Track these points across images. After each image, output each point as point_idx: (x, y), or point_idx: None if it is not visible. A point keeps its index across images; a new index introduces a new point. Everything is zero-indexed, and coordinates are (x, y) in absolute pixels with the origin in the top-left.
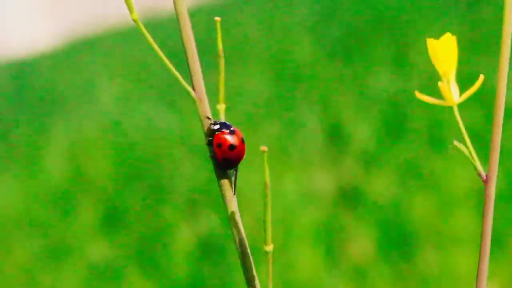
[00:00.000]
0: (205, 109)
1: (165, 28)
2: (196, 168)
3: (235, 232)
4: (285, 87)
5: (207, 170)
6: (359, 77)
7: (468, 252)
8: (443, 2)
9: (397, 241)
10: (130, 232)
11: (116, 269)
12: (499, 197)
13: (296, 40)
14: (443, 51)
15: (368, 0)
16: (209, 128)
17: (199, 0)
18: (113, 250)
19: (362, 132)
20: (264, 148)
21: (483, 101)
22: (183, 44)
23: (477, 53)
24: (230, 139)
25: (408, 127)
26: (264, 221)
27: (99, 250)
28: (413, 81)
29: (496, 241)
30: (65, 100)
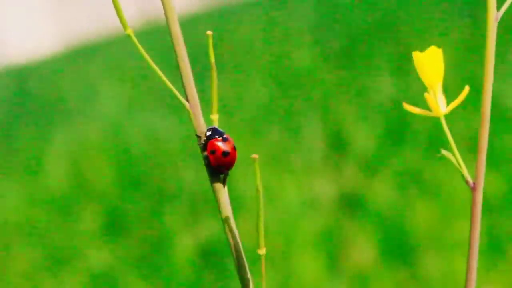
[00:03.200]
0: (199, 119)
1: (166, 33)
2: (197, 175)
3: (230, 236)
4: (286, 93)
5: (207, 176)
6: (360, 83)
7: None
8: (445, 8)
9: (399, 247)
10: (132, 238)
11: (117, 275)
12: (499, 204)
13: (297, 46)
14: (429, 63)
15: (369, 6)
16: (204, 135)
17: (201, 5)
18: (114, 257)
19: (363, 138)
20: (255, 156)
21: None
22: (175, 56)
23: (478, 58)
24: (223, 146)
25: (409, 133)
26: (257, 225)
27: (100, 257)
28: (415, 87)
29: (497, 248)
30: (66, 106)
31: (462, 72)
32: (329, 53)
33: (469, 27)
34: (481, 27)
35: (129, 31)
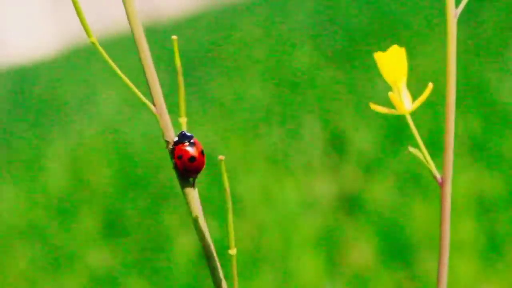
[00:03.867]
0: (166, 122)
1: (166, 33)
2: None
3: (201, 238)
4: (285, 94)
5: (206, 176)
6: (360, 84)
7: (469, 258)
8: (444, 8)
9: (398, 248)
10: (131, 239)
11: (117, 276)
12: (498, 204)
13: (296, 47)
14: (390, 62)
15: (368, 7)
16: (170, 141)
17: (199, 6)
18: (113, 258)
19: (362, 139)
20: (221, 157)
21: (482, 107)
22: (140, 60)
23: (478, 58)
24: (190, 151)
25: (408, 134)
26: (227, 225)
27: (99, 258)
28: (414, 87)
29: (496, 248)
30: (66, 107)
31: (461, 72)
32: (329, 54)
33: (468, 28)
34: (481, 28)
35: (93, 39)
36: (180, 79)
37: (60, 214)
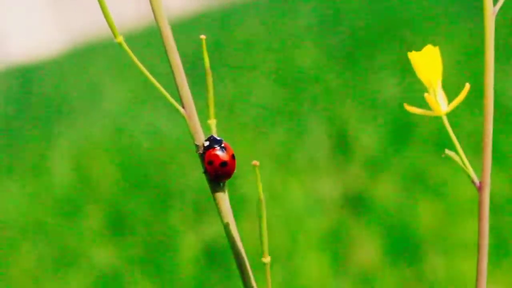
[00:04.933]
0: (195, 125)
1: (173, 33)
2: (201, 174)
3: (232, 243)
4: (291, 93)
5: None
6: (365, 83)
7: (474, 257)
8: (449, 8)
9: (404, 247)
10: (136, 238)
11: (122, 275)
12: (504, 204)
13: (302, 46)
14: (426, 62)
15: (373, 6)
16: (200, 146)
17: (204, 5)
18: (118, 256)
19: (368, 138)
20: (255, 162)
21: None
22: (169, 63)
23: (483, 58)
24: (221, 155)
25: (414, 133)
26: (260, 234)
27: (104, 256)
28: (419, 87)
29: (502, 248)
30: (70, 106)
31: (467, 72)
32: (334, 53)
33: (474, 28)
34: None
35: (120, 39)
36: (209, 80)
37: (66, 212)
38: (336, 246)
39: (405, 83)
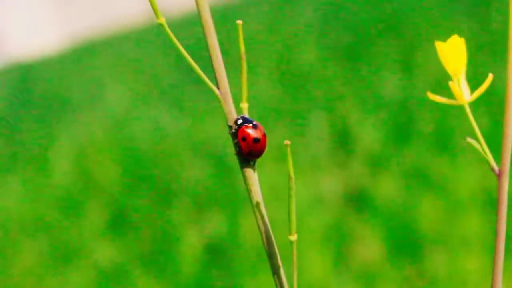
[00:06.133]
0: (230, 107)
1: (175, 30)
2: (203, 171)
3: (260, 223)
4: (292, 90)
5: (214, 172)
6: (367, 81)
7: (476, 254)
8: (450, 5)
9: (405, 244)
10: (137, 234)
11: (123, 271)
12: (509, 199)
13: (303, 44)
14: (452, 52)
15: (375, 4)
16: (234, 123)
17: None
18: (120, 253)
19: (369, 135)
20: (287, 142)
21: (490, 103)
22: (208, 47)
23: (485, 56)
24: (254, 133)
25: (415, 130)
26: (289, 212)
27: (106, 253)
28: (420, 84)
29: (506, 243)
30: (72, 104)
31: (469, 68)
32: (335, 51)
33: (475, 25)
34: (489, 23)
35: (162, 20)
36: (243, 65)
37: (67, 209)
38: (338, 243)
39: (407, 81)
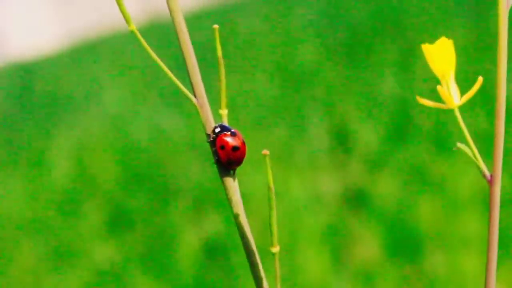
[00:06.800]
0: (207, 115)
1: (169, 31)
2: (201, 170)
3: (241, 234)
4: (291, 90)
5: (212, 172)
6: (365, 80)
7: (475, 254)
8: (449, 5)
9: (404, 243)
10: (136, 234)
11: (122, 271)
12: (504, 201)
13: (302, 43)
14: (439, 54)
15: (373, 3)
16: (212, 131)
17: (204, 2)
18: (118, 252)
19: (368, 135)
20: (265, 152)
21: (487, 104)
22: (181, 51)
23: (483, 56)
24: (232, 141)
25: (414, 129)
26: (270, 224)
27: (104, 252)
28: (419, 84)
29: (502, 244)
30: (70, 103)
31: (467, 69)
32: (334, 50)
33: (474, 24)
34: (487, 24)
35: (133, 27)
36: (222, 70)
37: (66, 209)
38: (336, 242)
39: (405, 80)
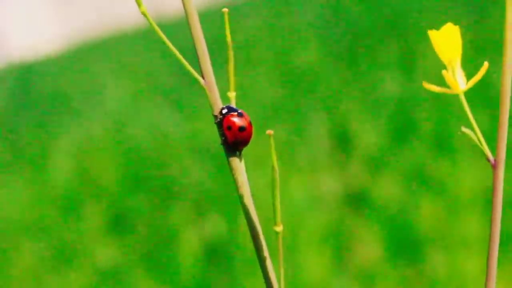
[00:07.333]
0: (215, 96)
1: (170, 29)
2: (203, 171)
3: (247, 216)
4: (292, 90)
5: (214, 173)
6: (366, 81)
7: (475, 255)
8: (450, 6)
9: (404, 244)
10: (137, 235)
11: (123, 272)
12: (506, 202)
13: (303, 44)
14: (446, 40)
15: (374, 4)
16: (219, 113)
17: (203, 3)
18: (120, 254)
19: (369, 135)
20: (270, 132)
21: (489, 103)
22: (191, 34)
23: (485, 56)
24: (239, 121)
25: (414, 130)
26: (273, 203)
27: (106, 254)
28: (420, 84)
29: (502, 244)
30: (71, 104)
31: (469, 69)
32: (335, 51)
33: (475, 25)
34: (488, 25)
35: (143, 9)
36: (230, 54)
37: (67, 210)
38: (337, 243)
39: (406, 80)
